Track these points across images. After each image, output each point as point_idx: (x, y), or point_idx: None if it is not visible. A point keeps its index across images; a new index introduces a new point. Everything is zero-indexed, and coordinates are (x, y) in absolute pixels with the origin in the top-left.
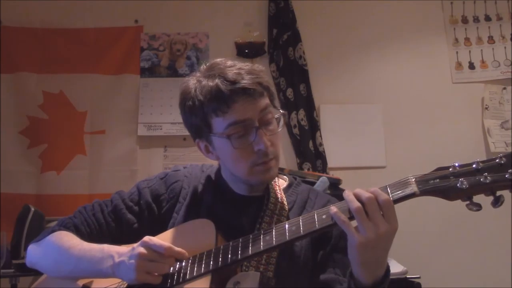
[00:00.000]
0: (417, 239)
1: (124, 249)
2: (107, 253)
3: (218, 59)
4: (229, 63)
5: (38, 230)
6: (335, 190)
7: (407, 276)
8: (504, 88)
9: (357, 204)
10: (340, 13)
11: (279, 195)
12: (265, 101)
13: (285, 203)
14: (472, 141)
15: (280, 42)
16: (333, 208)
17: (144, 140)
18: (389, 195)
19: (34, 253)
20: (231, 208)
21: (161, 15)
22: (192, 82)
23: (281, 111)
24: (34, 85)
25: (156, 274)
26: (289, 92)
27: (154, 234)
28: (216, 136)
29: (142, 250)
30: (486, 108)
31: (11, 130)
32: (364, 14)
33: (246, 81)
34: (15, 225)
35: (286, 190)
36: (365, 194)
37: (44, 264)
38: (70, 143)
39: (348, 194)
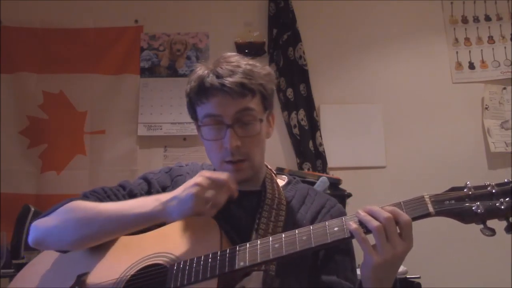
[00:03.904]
0: (417, 239)
1: (166, 194)
2: (148, 199)
3: (229, 53)
4: (233, 58)
5: None
6: (335, 190)
7: (407, 276)
8: (504, 88)
9: (377, 223)
10: (340, 13)
11: (276, 190)
12: (246, 102)
13: (283, 197)
14: (472, 141)
15: (280, 42)
16: (353, 224)
17: (144, 140)
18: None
19: (43, 224)
20: (229, 203)
21: (161, 15)
22: (197, 69)
23: (260, 118)
24: (34, 85)
25: (211, 206)
26: (289, 92)
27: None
28: (198, 124)
29: (201, 179)
30: (486, 108)
31: (11, 130)
32: (364, 14)
33: (230, 79)
34: (15, 225)
35: (284, 187)
36: (383, 213)
37: (59, 232)
38: (70, 143)
39: (364, 215)
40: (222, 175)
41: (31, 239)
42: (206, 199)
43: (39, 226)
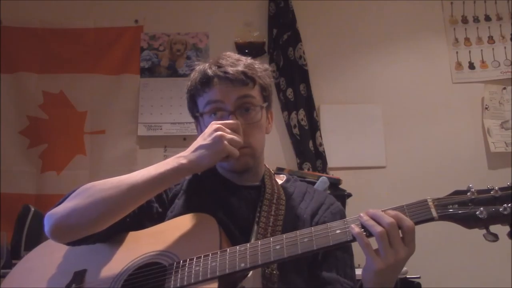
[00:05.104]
0: (417, 239)
1: (185, 151)
2: (167, 160)
3: (229, 52)
4: (234, 55)
5: (38, 230)
6: (335, 190)
7: (407, 276)
8: (504, 88)
9: (380, 228)
10: (340, 13)
11: (275, 186)
12: (247, 90)
13: (282, 193)
14: (472, 141)
15: (280, 42)
16: (356, 228)
17: (144, 140)
18: (406, 216)
19: (60, 210)
20: (230, 198)
21: (161, 15)
22: (198, 66)
23: (262, 105)
24: (34, 85)
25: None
26: (289, 92)
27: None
28: (198, 115)
29: (218, 125)
30: (486, 108)
31: (11, 130)
32: (364, 14)
33: (232, 68)
34: (15, 225)
35: (284, 184)
36: (386, 219)
37: (82, 210)
38: (70, 143)
39: (367, 219)
40: (232, 121)
41: (48, 229)
42: (229, 140)
43: (56, 213)
